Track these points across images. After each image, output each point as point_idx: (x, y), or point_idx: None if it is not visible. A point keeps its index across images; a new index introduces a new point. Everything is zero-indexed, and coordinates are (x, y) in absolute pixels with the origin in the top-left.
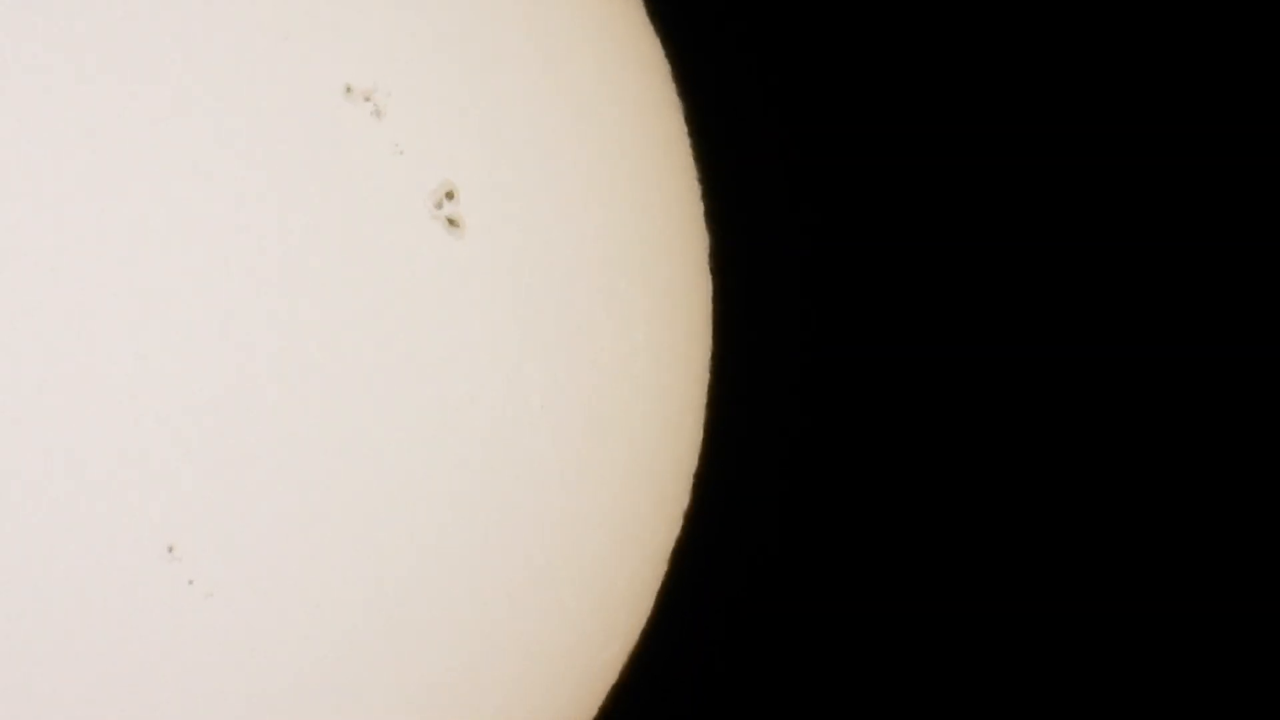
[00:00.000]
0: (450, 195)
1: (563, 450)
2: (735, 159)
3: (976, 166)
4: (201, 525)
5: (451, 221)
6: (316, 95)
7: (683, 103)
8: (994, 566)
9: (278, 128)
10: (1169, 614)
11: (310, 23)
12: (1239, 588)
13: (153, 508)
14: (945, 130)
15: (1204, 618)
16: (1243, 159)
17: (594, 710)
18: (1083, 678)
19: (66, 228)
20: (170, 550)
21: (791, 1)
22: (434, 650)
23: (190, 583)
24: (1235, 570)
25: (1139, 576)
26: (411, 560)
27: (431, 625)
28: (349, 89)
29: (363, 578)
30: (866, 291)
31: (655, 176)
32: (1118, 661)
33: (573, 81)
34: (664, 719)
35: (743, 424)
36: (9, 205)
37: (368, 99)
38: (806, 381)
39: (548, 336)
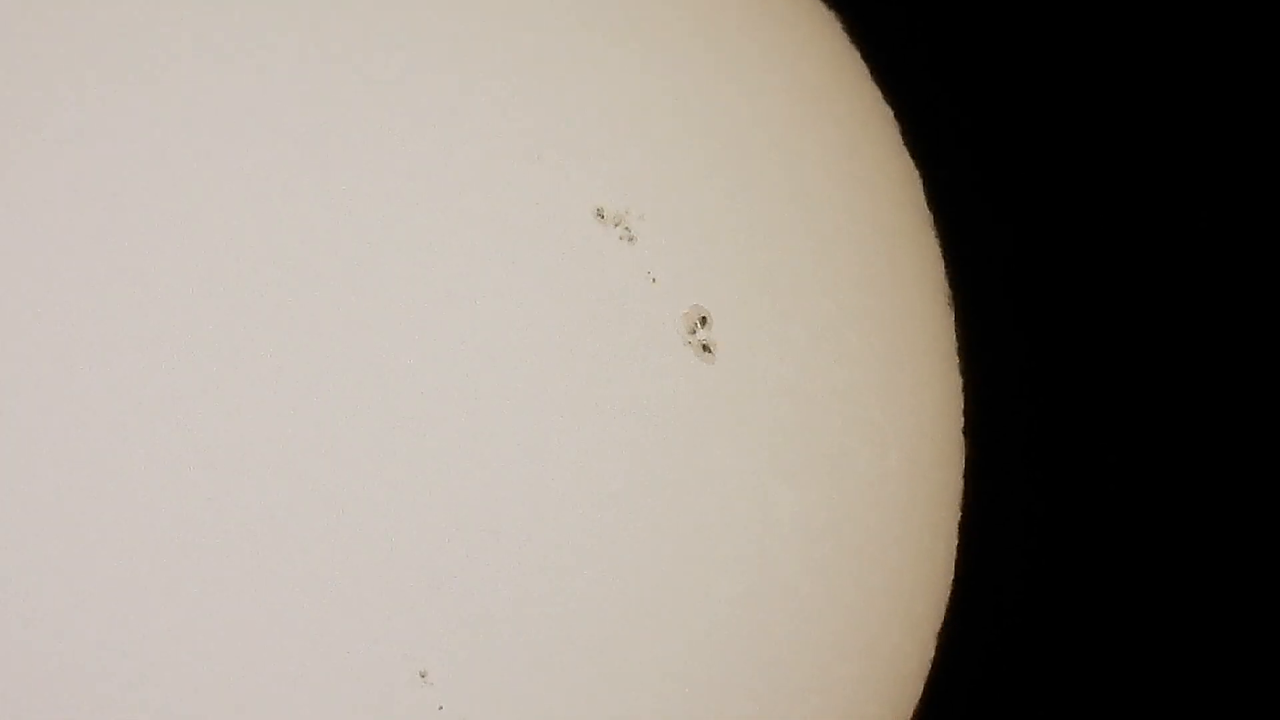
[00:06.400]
0: (703, 321)
1: (814, 576)
2: (988, 279)
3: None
4: (455, 652)
5: (705, 348)
6: (568, 220)
7: (937, 228)
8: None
9: (530, 253)
10: None
11: (561, 146)
12: None
13: (406, 632)
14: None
15: None
16: None
17: None
18: None
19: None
20: (422, 676)
21: (1042, 146)
22: None
23: (440, 709)
24: None
25: None
26: (663, 690)
27: None
28: (600, 213)
29: (613, 711)
30: (1125, 415)
31: (908, 300)
32: None
33: (826, 207)
34: None
35: (997, 548)
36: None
37: (619, 224)
38: (1061, 508)
39: (800, 462)
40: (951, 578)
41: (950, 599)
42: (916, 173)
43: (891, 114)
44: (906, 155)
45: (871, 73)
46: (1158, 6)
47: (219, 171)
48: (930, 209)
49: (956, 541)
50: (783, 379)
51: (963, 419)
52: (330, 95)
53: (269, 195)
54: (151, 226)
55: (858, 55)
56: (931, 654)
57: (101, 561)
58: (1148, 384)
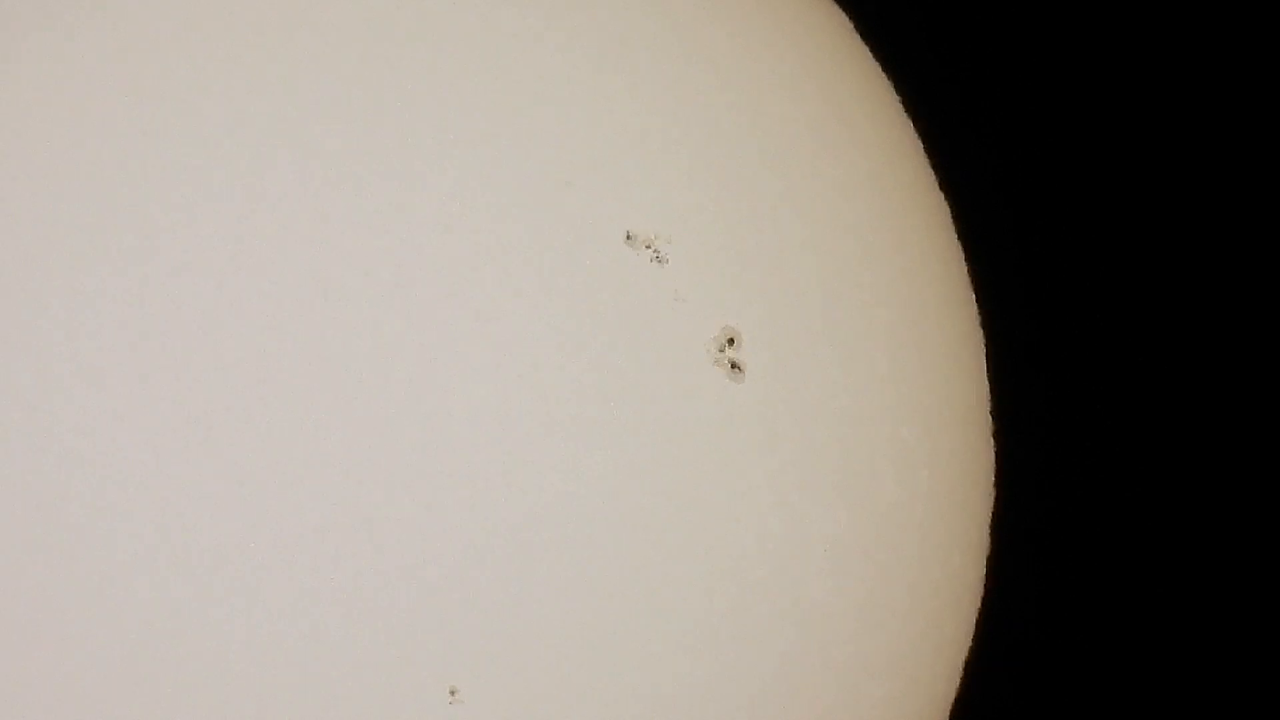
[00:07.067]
0: (731, 341)
1: (842, 596)
2: (1018, 298)
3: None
4: (485, 669)
5: (733, 366)
6: (598, 242)
7: (965, 248)
8: None
9: (558, 275)
10: None
11: (592, 170)
12: None
13: (435, 649)
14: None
15: None
16: None
17: None
18: None
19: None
20: (452, 694)
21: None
22: None
23: None
24: None
25: None
26: (691, 709)
27: None
28: (630, 236)
29: None
30: (1158, 444)
31: (938, 321)
32: None
33: (854, 228)
34: None
35: (1027, 569)
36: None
37: (648, 246)
38: (1094, 529)
39: (828, 481)
40: (981, 598)
41: (979, 620)
42: (944, 194)
43: (919, 139)
44: (934, 178)
45: (901, 98)
46: (1174, 13)
47: (258, 203)
48: (959, 231)
49: (986, 562)
50: (811, 398)
51: (993, 439)
52: (363, 122)
53: (304, 220)
54: (194, 235)
55: (887, 79)
56: (960, 675)
57: (128, 577)
58: (1182, 402)
